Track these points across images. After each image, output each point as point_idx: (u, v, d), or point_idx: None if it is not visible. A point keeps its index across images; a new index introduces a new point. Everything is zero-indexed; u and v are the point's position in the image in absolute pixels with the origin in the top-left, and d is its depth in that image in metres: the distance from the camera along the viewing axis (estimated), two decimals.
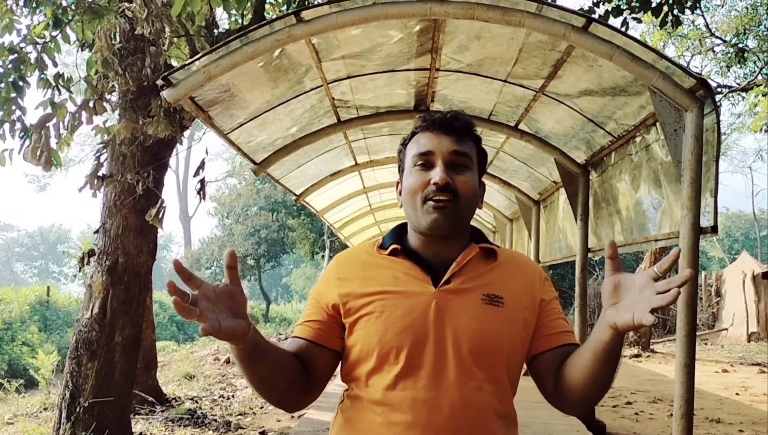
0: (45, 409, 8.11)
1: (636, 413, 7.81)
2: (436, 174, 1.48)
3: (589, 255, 6.56)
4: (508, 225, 11.12)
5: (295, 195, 9.08)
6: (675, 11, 6.50)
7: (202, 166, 5.25)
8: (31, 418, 7.80)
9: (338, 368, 1.60)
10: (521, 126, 6.52)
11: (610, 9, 6.88)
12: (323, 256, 23.77)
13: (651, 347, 15.01)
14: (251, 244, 25.39)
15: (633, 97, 4.84)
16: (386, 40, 4.92)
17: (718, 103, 4.84)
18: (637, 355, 14.09)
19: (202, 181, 5.29)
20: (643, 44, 4.09)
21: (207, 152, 5.40)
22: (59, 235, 55.87)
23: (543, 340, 1.54)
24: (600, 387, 1.41)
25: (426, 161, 1.52)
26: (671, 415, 7.63)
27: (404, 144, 1.63)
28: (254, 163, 6.49)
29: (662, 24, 6.63)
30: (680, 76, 4.01)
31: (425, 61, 5.42)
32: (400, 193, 1.61)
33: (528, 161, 7.80)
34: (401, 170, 1.62)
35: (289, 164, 7.34)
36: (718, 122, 4.03)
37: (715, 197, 4.02)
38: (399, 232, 1.63)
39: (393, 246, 1.56)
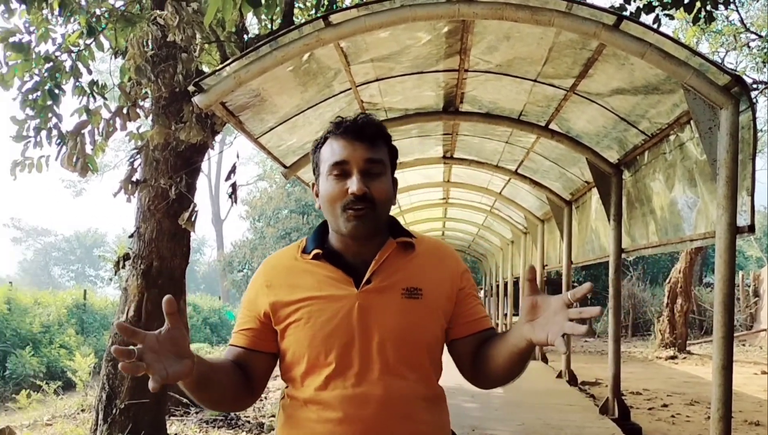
0: (82, 410, 8.25)
1: (672, 416, 7.69)
2: (353, 184, 1.54)
3: (623, 256, 6.47)
4: (539, 226, 11.02)
5: None
6: (708, 7, 6.38)
7: (233, 170, 5.30)
8: (68, 419, 7.94)
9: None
10: (552, 126, 6.46)
11: (641, 6, 6.78)
12: None
13: (687, 349, 14.74)
14: (282, 246, 25.38)
15: (666, 95, 4.77)
16: (414, 42, 4.92)
17: (754, 100, 4.75)
18: (672, 357, 13.85)
19: (234, 185, 5.34)
20: (676, 41, 4.03)
21: (238, 156, 5.46)
22: (95, 239, 56.86)
23: (462, 326, 1.66)
24: (512, 376, 1.56)
25: (342, 171, 1.57)
26: (709, 417, 7.50)
27: (317, 147, 1.68)
28: (284, 166, 6.53)
29: (695, 20, 6.52)
30: (714, 73, 3.94)
31: (454, 62, 5.40)
32: (316, 195, 1.67)
33: (559, 161, 7.72)
34: (316, 175, 1.68)
35: None
36: (754, 119, 3.96)
37: (752, 196, 3.94)
38: (321, 233, 1.69)
39: (315, 251, 1.63)
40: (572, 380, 8.97)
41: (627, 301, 19.42)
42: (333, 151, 1.59)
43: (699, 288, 19.13)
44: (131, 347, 1.26)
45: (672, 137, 5.17)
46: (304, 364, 1.56)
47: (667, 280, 15.02)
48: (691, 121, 4.77)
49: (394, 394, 1.54)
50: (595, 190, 7.32)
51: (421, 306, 1.59)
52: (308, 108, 5.53)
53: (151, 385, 1.27)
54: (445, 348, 1.70)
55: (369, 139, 1.59)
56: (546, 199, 9.29)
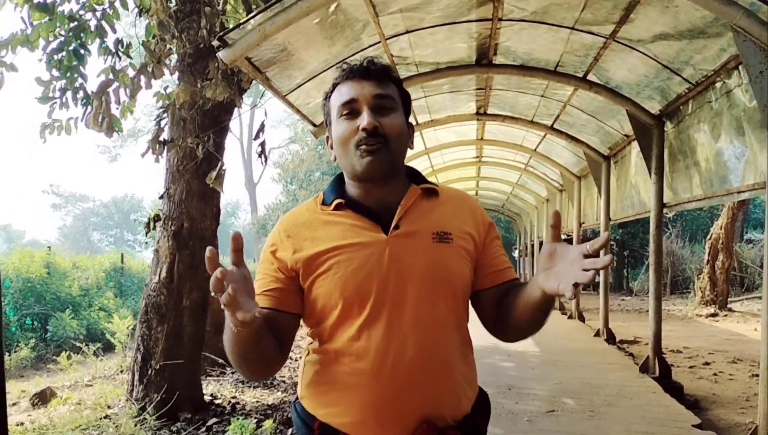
0: (121, 371, 8.38)
1: (714, 374, 7.50)
2: (363, 119, 1.49)
3: (665, 211, 6.24)
4: (575, 182, 10.76)
5: None
6: None
7: (261, 129, 5.19)
8: (108, 380, 8.07)
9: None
10: (590, 76, 6.22)
11: None
12: None
13: (728, 306, 14.43)
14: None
15: (712, 39, 4.51)
16: None
17: None
18: (713, 314, 13.57)
19: (263, 145, 5.24)
20: None
21: (266, 114, 5.35)
22: (132, 204, 57.68)
23: (487, 277, 1.60)
24: (533, 329, 1.51)
25: (351, 109, 1.52)
26: (753, 375, 7.34)
27: (327, 97, 1.62)
28: (313, 125, 6.42)
29: None
30: (766, 13, 3.69)
31: (487, 11, 5.18)
32: (331, 147, 1.61)
33: (597, 114, 7.46)
34: (328, 123, 1.62)
35: None
36: None
37: None
38: (338, 185, 1.62)
39: (336, 201, 1.56)
40: (610, 339, 8.82)
41: (666, 258, 19.03)
42: (341, 93, 1.55)
43: (740, 244, 18.65)
44: (222, 276, 1.18)
45: (718, 84, 4.91)
46: (336, 315, 1.48)
47: (708, 237, 14.65)
48: (740, 66, 4.52)
49: (429, 343, 1.48)
50: (635, 144, 7.09)
51: (452, 250, 1.53)
52: (336, 63, 5.37)
53: (242, 317, 1.20)
54: None
55: (376, 77, 1.54)
56: (583, 154, 9.04)
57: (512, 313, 1.50)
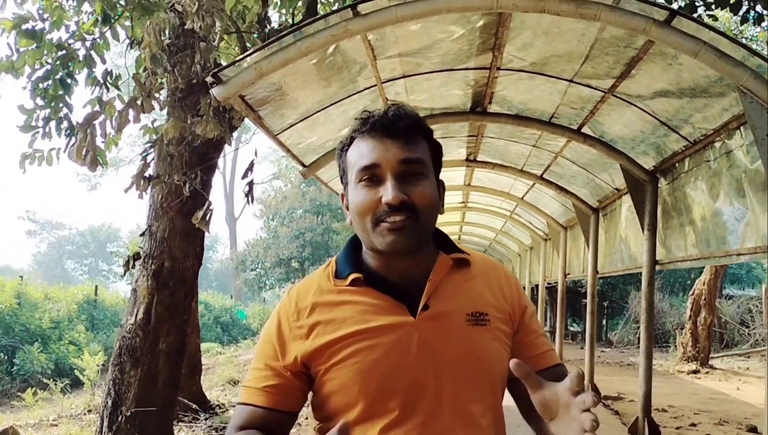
0: (89, 411, 8.07)
1: None
2: (388, 192, 1.26)
3: (657, 268, 6.15)
4: (562, 233, 10.70)
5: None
6: (758, 7, 6.05)
7: (250, 168, 5.05)
8: (74, 420, 7.75)
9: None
10: (585, 129, 6.17)
11: (683, 5, 6.46)
12: None
13: (710, 363, 14.34)
14: (296, 246, 25.44)
15: (715, 98, 4.46)
16: (446, 36, 4.64)
17: None
18: (695, 371, 13.46)
19: (251, 184, 5.09)
20: (733, 39, 3.74)
21: (256, 154, 5.21)
22: (109, 234, 56.98)
23: (525, 362, 1.31)
24: None
25: (372, 175, 1.30)
26: None
27: (343, 149, 1.40)
28: (303, 165, 6.28)
29: (743, 21, 6.17)
30: None
31: (486, 60, 5.12)
32: (347, 208, 1.39)
33: (588, 167, 7.42)
34: (344, 183, 1.40)
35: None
36: None
37: None
38: (354, 253, 1.41)
39: (353, 275, 1.34)
40: (595, 395, 8.61)
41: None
42: (360, 153, 1.32)
43: (720, 300, 18.68)
44: None
45: (718, 144, 4.86)
46: (356, 413, 1.27)
47: (691, 292, 14.62)
48: (741, 127, 4.46)
49: None
50: (625, 198, 7.04)
51: (490, 334, 1.34)
52: (331, 104, 5.27)
53: None
54: None
55: (404, 135, 1.31)
56: (571, 205, 8.98)
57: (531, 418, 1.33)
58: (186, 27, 4.19)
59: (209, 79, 3.98)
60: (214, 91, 4.03)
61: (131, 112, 4.54)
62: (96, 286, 15.18)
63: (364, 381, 1.26)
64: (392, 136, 1.30)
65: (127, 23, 5.27)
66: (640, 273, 6.34)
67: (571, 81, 5.24)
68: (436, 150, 1.41)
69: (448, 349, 1.29)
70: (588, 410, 1.06)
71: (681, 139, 5.31)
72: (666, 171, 5.97)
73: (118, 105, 4.99)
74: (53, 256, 55.24)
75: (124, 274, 5.26)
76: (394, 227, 1.26)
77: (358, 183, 1.31)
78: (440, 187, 1.40)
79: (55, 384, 8.31)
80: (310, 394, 1.38)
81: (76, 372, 9.05)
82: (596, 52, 4.61)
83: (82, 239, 56.26)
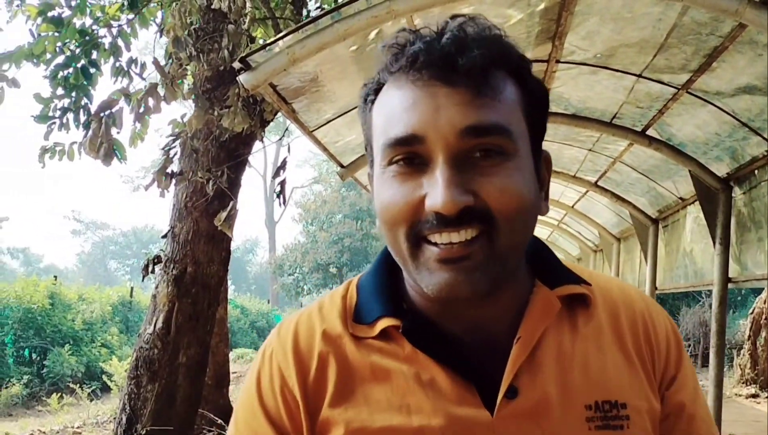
0: (114, 418, 7.79)
1: None
2: (437, 191, 0.72)
3: (729, 285, 5.55)
4: (615, 244, 10.11)
5: None
6: None
7: (283, 167, 4.65)
8: (99, 427, 7.50)
9: None
10: (650, 131, 5.61)
11: None
12: None
13: None
14: (334, 252, 25.28)
15: None
16: (502, 21, 4.15)
17: None
18: (754, 395, 12.69)
19: (282, 184, 4.69)
20: None
21: (289, 151, 4.79)
22: (152, 235, 57.80)
23: None
24: None
25: (411, 154, 0.76)
26: None
27: (366, 99, 0.86)
28: (341, 165, 5.86)
29: None
30: None
31: (544, 51, 4.62)
32: (371, 193, 0.86)
33: (650, 173, 6.84)
34: (369, 154, 0.87)
35: None
36: None
37: None
38: (387, 278, 0.87)
39: (384, 322, 0.81)
40: None
41: (698, 328, 18.15)
42: (391, 113, 0.78)
43: None
44: None
45: None
46: None
47: (750, 311, 13.83)
48: None
49: None
50: (690, 209, 6.48)
51: None
52: None
53: None
54: None
55: (472, 80, 0.75)
56: (627, 215, 8.41)
57: None
58: (213, 7, 3.80)
59: (237, 65, 3.60)
60: (242, 78, 3.64)
61: (151, 101, 4.17)
62: (132, 288, 15.02)
63: None
64: (451, 81, 0.75)
65: (158, 13, 4.96)
66: (700, 291, 5.77)
67: (639, 76, 4.70)
68: (537, 97, 0.85)
69: None
70: None
71: (763, 143, 4.73)
72: (742, 179, 5.38)
73: None
74: (97, 256, 56.27)
75: (143, 279, 4.89)
76: (452, 257, 0.73)
77: (387, 167, 0.78)
78: (543, 164, 0.87)
79: (82, 389, 8.07)
80: None
81: (104, 377, 8.81)
82: (673, 41, 4.08)
83: (126, 240, 57.22)
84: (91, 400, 8.45)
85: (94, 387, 8.88)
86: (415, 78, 0.76)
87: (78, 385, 8.41)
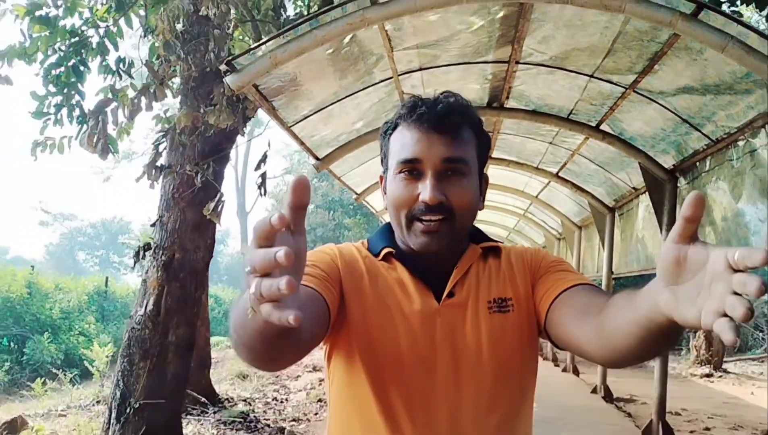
0: (98, 402, 8.06)
1: None
2: (426, 191, 1.24)
3: None
4: (576, 232, 10.59)
5: (356, 193, 8.82)
6: None
7: (263, 159, 4.99)
8: (83, 410, 7.73)
9: None
10: (603, 126, 6.06)
11: (706, 1, 6.31)
12: None
13: (723, 367, 14.19)
14: (307, 242, 25.43)
15: (740, 95, 4.34)
16: (465, 27, 4.55)
17: None
18: (708, 375, 13.32)
19: (263, 176, 5.04)
20: (762, 34, 3.63)
21: (269, 145, 5.15)
22: (121, 226, 57.22)
23: (545, 300, 1.28)
24: (642, 356, 1.04)
25: (413, 169, 1.27)
26: None
27: (386, 134, 1.37)
28: (317, 158, 6.21)
29: None
30: None
31: (505, 53, 5.02)
32: (384, 192, 1.38)
33: (606, 165, 7.31)
34: (385, 167, 1.39)
35: (351, 161, 7.06)
36: None
37: None
38: (388, 234, 1.41)
39: (386, 249, 1.35)
40: (608, 396, 8.55)
41: None
42: (404, 143, 1.28)
43: None
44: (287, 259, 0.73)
45: (741, 142, 4.74)
46: (368, 384, 1.26)
47: None
48: (767, 126, 4.35)
49: None
50: (642, 198, 6.94)
51: (513, 320, 1.30)
52: (345, 96, 5.20)
53: (287, 319, 0.73)
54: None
55: (450, 132, 1.26)
56: (586, 204, 8.87)
57: (606, 329, 1.05)
58: (200, 14, 4.12)
59: (223, 68, 3.92)
60: (228, 80, 3.97)
61: (143, 100, 4.48)
62: (107, 278, 15.20)
63: (383, 354, 1.26)
64: (439, 131, 1.26)
65: (142, 12, 5.23)
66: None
67: (591, 76, 5.14)
68: (484, 143, 1.36)
69: (470, 339, 1.27)
70: (740, 296, 0.70)
71: (703, 138, 5.19)
72: (686, 170, 5.86)
73: (131, 93, 4.94)
74: (65, 248, 55.51)
75: (135, 265, 5.21)
76: (429, 230, 1.24)
77: (397, 174, 1.29)
78: (483, 182, 1.37)
79: (65, 374, 8.29)
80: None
81: (86, 363, 9.03)
82: (619, 47, 4.51)
83: (94, 231, 56.51)
84: (73, 385, 8.67)
85: (74, 373, 9.07)
86: (420, 126, 1.27)
87: (60, 371, 8.63)
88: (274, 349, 0.98)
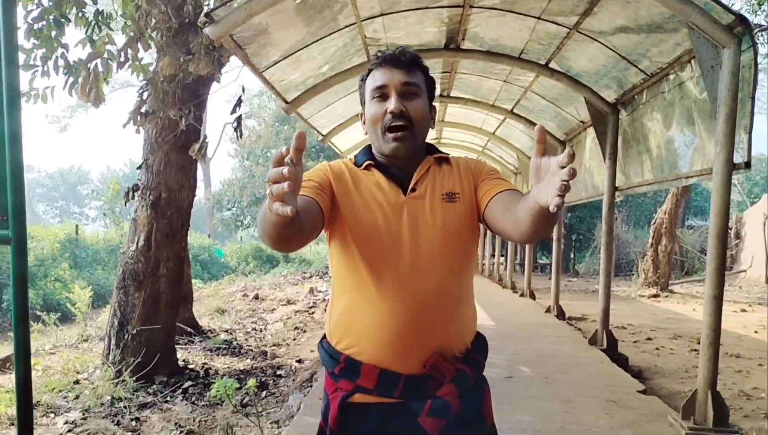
0: (84, 340, 8.43)
1: (657, 348, 8.01)
2: (391, 103, 1.72)
3: (617, 193, 6.64)
4: None
5: (322, 135, 9.16)
6: None
7: (239, 103, 5.35)
8: (70, 348, 8.12)
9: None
10: (552, 64, 6.52)
11: None
12: None
13: (669, 288, 15.15)
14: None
15: (669, 34, 4.84)
16: None
17: (756, 40, 4.84)
18: (655, 295, 14.25)
19: (239, 119, 5.40)
20: None
21: (244, 90, 5.49)
22: (79, 176, 56.38)
23: (484, 198, 1.75)
24: (538, 233, 1.49)
25: (382, 93, 1.75)
26: (692, 350, 7.86)
27: (363, 79, 1.85)
28: (285, 102, 6.56)
29: None
30: (718, 12, 4.02)
31: None
32: (364, 123, 1.84)
33: (556, 101, 7.81)
34: (362, 103, 1.85)
35: (318, 103, 7.42)
36: (755, 59, 4.06)
37: (750, 133, 4.08)
38: (369, 152, 1.87)
39: (367, 162, 1.82)
40: (560, 315, 9.28)
41: (616, 239, 19.72)
42: (374, 78, 1.78)
43: (682, 230, 19.52)
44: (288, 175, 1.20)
45: (672, 76, 5.27)
46: (358, 256, 1.72)
47: (653, 221, 15.32)
48: (692, 60, 4.87)
49: (443, 286, 1.72)
50: (590, 130, 7.46)
51: (459, 207, 1.76)
52: (312, 42, 5.55)
53: (283, 211, 1.20)
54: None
55: (405, 66, 1.76)
56: None
57: (517, 220, 1.52)
58: None
59: (202, 19, 4.25)
60: (207, 31, 4.31)
61: (129, 51, 4.80)
62: (77, 226, 15.39)
63: (367, 235, 1.72)
64: (397, 65, 1.76)
65: None
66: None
67: (539, 18, 5.57)
68: (431, 82, 1.85)
69: (428, 218, 1.74)
70: (565, 181, 1.17)
71: (639, 73, 5.71)
72: (626, 103, 6.39)
73: (111, 46, 5.21)
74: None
75: (125, 204, 5.58)
76: (397, 137, 1.72)
77: (371, 100, 1.77)
78: (432, 109, 1.85)
79: (48, 317, 8.64)
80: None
81: (67, 306, 9.37)
82: None
83: (52, 182, 55.58)
84: (57, 327, 9.03)
85: (54, 317, 9.40)
86: (385, 65, 1.77)
87: (42, 314, 8.96)
88: (284, 235, 1.44)
